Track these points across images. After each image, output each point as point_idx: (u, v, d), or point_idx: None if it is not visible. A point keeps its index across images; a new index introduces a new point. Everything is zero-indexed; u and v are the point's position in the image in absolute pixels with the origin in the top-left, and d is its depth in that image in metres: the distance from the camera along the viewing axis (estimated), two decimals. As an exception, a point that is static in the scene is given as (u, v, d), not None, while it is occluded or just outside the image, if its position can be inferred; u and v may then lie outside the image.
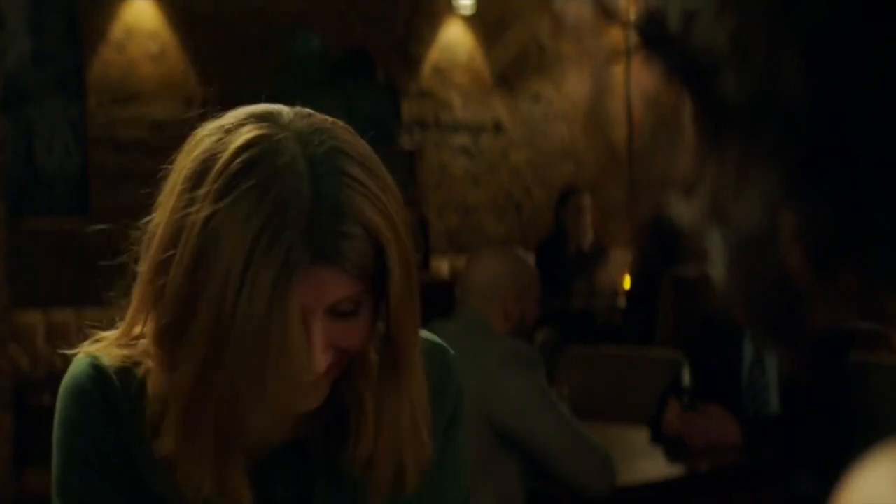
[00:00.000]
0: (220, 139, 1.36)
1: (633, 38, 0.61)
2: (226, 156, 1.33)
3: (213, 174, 1.32)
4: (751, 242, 0.58)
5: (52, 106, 7.34)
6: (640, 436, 4.08)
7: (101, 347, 1.43)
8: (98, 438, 1.40)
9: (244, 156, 1.33)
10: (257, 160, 1.33)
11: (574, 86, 9.59)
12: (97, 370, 1.40)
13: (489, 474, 3.36)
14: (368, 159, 1.43)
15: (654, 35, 0.59)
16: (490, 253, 3.72)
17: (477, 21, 9.08)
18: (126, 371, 1.40)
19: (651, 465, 3.83)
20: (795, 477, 3.88)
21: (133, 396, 1.39)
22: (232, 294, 1.29)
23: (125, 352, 1.41)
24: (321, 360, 1.34)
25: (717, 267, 0.60)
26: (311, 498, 1.45)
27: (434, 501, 1.53)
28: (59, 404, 1.41)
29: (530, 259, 3.77)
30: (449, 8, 8.96)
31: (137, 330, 1.41)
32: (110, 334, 1.44)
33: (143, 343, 1.41)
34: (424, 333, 1.51)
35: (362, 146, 1.44)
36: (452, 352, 1.57)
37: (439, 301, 4.09)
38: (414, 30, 8.86)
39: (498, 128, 9.28)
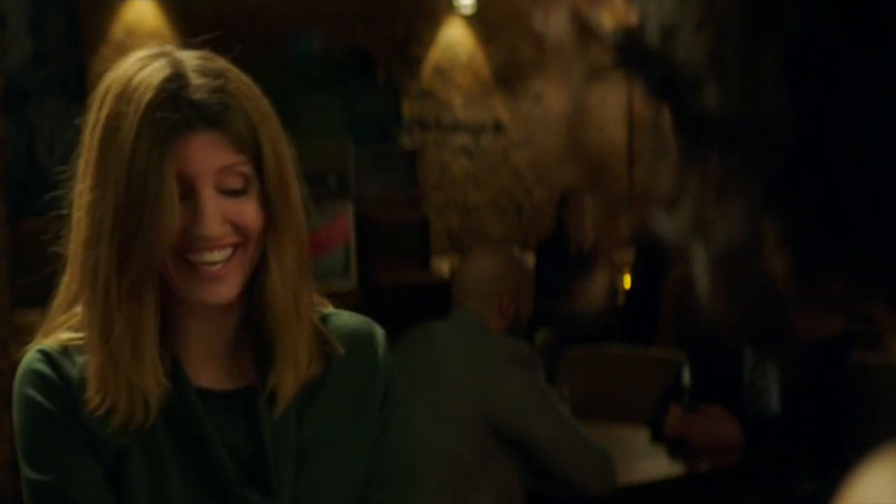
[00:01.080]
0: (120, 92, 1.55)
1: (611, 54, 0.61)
2: (128, 87, 1.53)
3: (123, 105, 1.53)
4: (734, 254, 0.58)
5: (54, 106, 7.34)
6: (640, 436, 4.08)
7: (47, 337, 1.61)
8: (54, 411, 1.56)
9: (140, 77, 1.54)
10: (149, 75, 1.54)
11: (554, 103, 9.58)
12: (44, 356, 1.58)
13: (488, 474, 3.36)
14: (247, 80, 1.62)
15: (631, 51, 0.60)
16: (484, 252, 3.72)
17: (477, 21, 9.08)
18: (66, 351, 1.58)
19: (651, 466, 3.83)
20: (796, 477, 3.88)
21: (76, 373, 1.56)
22: (125, 172, 1.50)
23: (67, 335, 1.59)
24: (214, 223, 1.52)
25: (701, 280, 0.60)
26: (261, 435, 1.59)
27: (376, 477, 1.66)
28: (14, 393, 1.59)
29: (524, 257, 3.78)
30: (449, 8, 8.96)
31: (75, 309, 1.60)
32: (55, 324, 1.62)
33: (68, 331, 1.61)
34: (353, 314, 1.71)
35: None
36: (381, 330, 1.72)
37: (440, 301, 4.09)
38: (414, 30, 8.86)
39: (498, 128, 9.28)
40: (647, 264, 7.31)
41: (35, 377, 1.57)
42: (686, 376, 3.99)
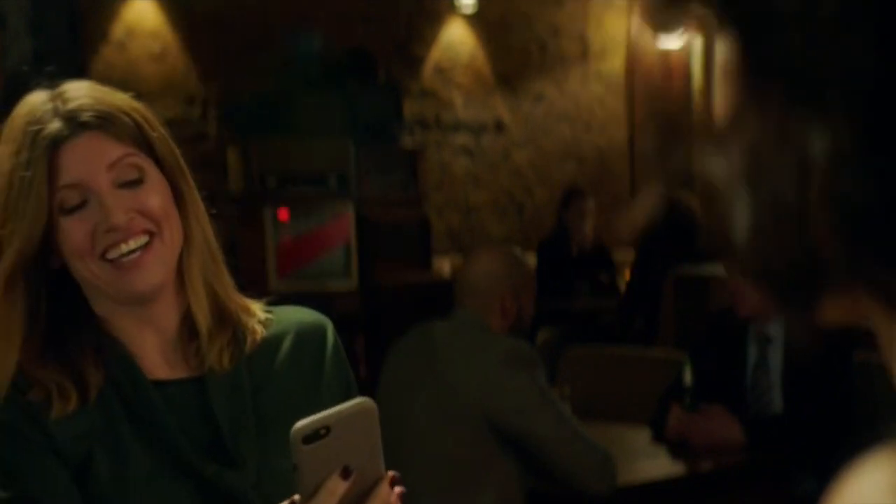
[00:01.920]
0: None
1: None
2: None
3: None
4: (780, 202, 0.56)
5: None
6: (641, 436, 4.08)
7: None
8: (13, 422, 1.59)
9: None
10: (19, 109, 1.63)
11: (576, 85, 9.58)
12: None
13: (489, 474, 3.36)
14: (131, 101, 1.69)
15: None
16: (486, 252, 3.72)
17: (478, 21, 9.07)
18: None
19: (652, 466, 3.82)
20: (798, 477, 3.88)
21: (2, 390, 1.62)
22: (5, 191, 1.59)
23: None
24: (118, 211, 1.59)
25: (741, 223, 0.58)
26: (214, 413, 1.65)
27: None
28: None
29: (526, 257, 3.78)
30: (450, 7, 8.96)
31: None
32: None
33: None
34: (306, 310, 1.79)
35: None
36: (329, 324, 1.80)
37: (441, 300, 4.08)
38: (415, 29, 8.85)
39: (499, 127, 9.28)
40: (648, 264, 7.31)
41: None
42: (687, 376, 3.99)
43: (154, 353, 1.69)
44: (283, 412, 1.67)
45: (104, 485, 1.59)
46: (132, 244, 1.61)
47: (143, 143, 1.64)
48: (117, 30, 7.61)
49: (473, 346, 3.40)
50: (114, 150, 1.61)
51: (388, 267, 7.44)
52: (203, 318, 1.68)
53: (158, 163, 1.65)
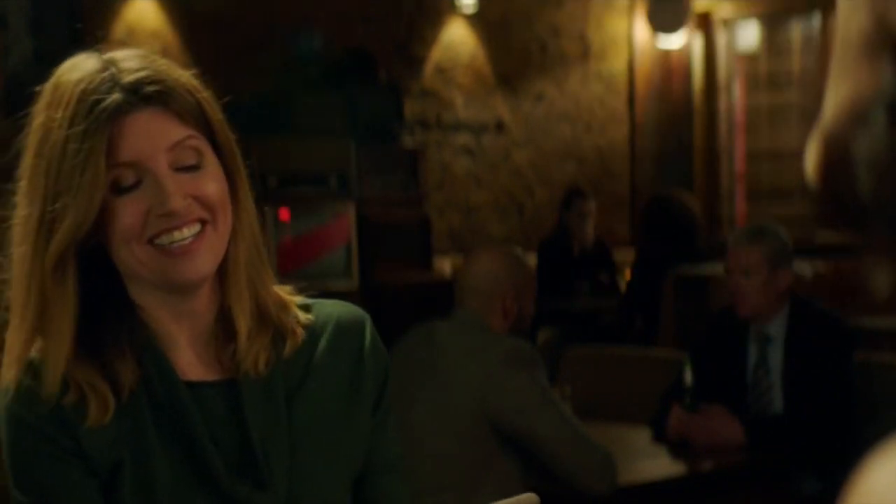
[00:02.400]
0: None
1: None
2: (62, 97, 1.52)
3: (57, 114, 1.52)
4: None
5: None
6: (642, 436, 4.08)
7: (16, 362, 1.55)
8: (42, 427, 1.51)
9: (73, 82, 1.52)
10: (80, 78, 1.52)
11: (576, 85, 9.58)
12: (27, 368, 1.53)
13: (489, 474, 3.36)
14: (183, 71, 1.58)
15: None
16: (487, 252, 3.72)
17: (479, 20, 9.07)
18: (37, 372, 1.52)
19: (653, 465, 3.82)
20: (798, 477, 3.88)
21: (51, 388, 1.52)
22: (57, 165, 1.48)
23: (34, 355, 1.54)
24: (177, 197, 1.48)
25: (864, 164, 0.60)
26: (248, 427, 1.56)
27: (372, 465, 1.64)
28: (1, 411, 1.54)
29: (527, 257, 3.78)
30: (451, 7, 8.96)
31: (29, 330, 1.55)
32: (14, 347, 1.56)
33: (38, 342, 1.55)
34: (336, 301, 1.69)
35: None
36: (367, 319, 1.69)
37: (442, 301, 4.08)
38: (416, 29, 8.85)
39: (500, 127, 9.27)
40: (648, 264, 7.31)
41: (21, 393, 1.52)
42: (687, 376, 3.99)
43: (188, 350, 1.59)
44: (317, 420, 1.60)
45: (129, 497, 1.51)
46: (186, 232, 1.51)
47: (204, 125, 1.54)
48: (118, 29, 7.61)
49: (474, 346, 3.40)
50: (176, 130, 1.51)
51: (388, 267, 7.44)
52: (243, 317, 1.57)
53: (216, 148, 1.55)
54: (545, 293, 6.15)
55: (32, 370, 1.52)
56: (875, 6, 0.60)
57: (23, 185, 1.53)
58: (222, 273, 1.57)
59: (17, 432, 1.52)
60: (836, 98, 0.61)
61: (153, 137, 1.49)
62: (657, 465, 3.84)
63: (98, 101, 1.47)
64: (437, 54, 8.96)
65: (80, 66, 1.52)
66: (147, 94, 1.49)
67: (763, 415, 4.02)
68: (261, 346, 1.58)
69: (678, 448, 3.93)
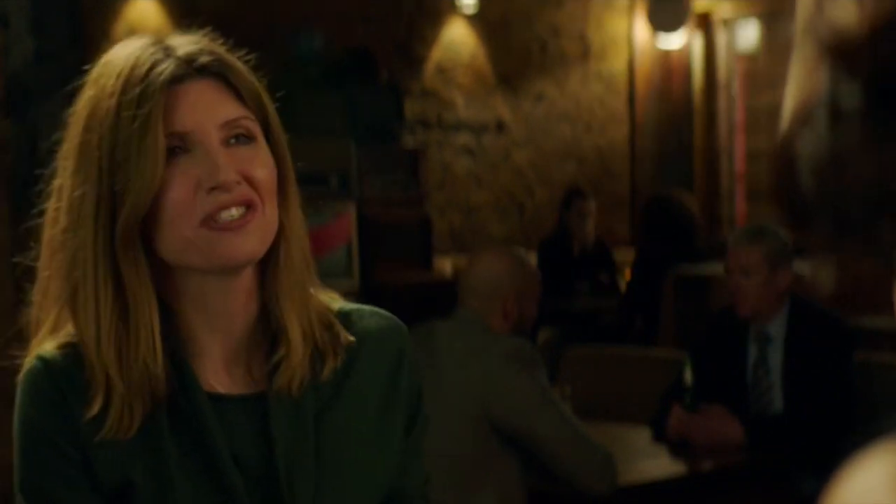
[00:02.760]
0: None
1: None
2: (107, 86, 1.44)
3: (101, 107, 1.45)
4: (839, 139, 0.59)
5: (57, 105, 7.35)
6: (642, 436, 4.08)
7: (41, 345, 1.48)
8: (54, 435, 1.42)
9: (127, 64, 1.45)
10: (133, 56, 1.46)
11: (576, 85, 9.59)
12: (43, 366, 1.44)
13: (489, 474, 3.37)
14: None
15: None
16: (490, 253, 3.72)
17: (480, 20, 9.08)
18: (67, 356, 1.44)
19: (653, 465, 3.83)
20: (798, 477, 3.88)
21: (75, 377, 1.43)
22: (110, 137, 1.40)
23: (60, 340, 1.46)
24: (228, 168, 1.39)
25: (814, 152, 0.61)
26: (273, 447, 1.47)
27: (400, 491, 1.55)
28: (16, 407, 1.46)
29: (530, 259, 3.78)
30: (451, 7, 8.96)
31: (55, 316, 1.48)
32: (43, 332, 1.50)
33: (68, 327, 1.46)
34: (375, 311, 1.59)
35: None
36: (404, 326, 1.60)
37: (442, 300, 4.09)
38: (416, 29, 8.86)
39: (500, 127, 9.28)
40: (648, 264, 7.31)
41: (35, 395, 1.44)
42: (687, 376, 3.99)
43: (217, 360, 1.49)
44: (346, 441, 1.51)
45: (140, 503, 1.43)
46: (234, 212, 1.41)
47: (259, 109, 1.46)
48: (119, 29, 7.62)
49: (474, 346, 3.40)
50: (232, 107, 1.43)
51: (389, 267, 7.44)
52: (294, 319, 1.47)
53: (269, 140, 1.46)
54: (545, 293, 6.15)
55: (56, 365, 1.44)
56: (812, 18, 0.61)
57: (68, 165, 1.44)
58: (265, 272, 1.48)
59: (28, 437, 1.44)
60: (789, 101, 0.63)
61: (207, 109, 1.42)
62: (657, 465, 3.85)
63: (151, 68, 1.40)
64: (437, 54, 8.96)
65: (128, 45, 1.46)
66: (202, 65, 1.43)
67: (763, 415, 4.02)
68: (297, 364, 1.47)
69: (678, 448, 3.93)
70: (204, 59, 1.43)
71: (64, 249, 1.44)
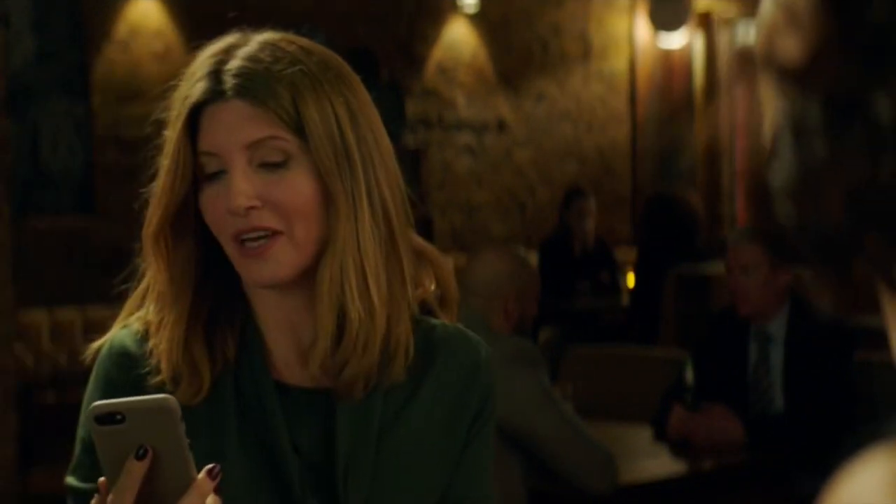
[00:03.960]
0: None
1: None
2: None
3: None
4: (813, 159, 0.60)
5: (57, 105, 7.35)
6: (643, 435, 4.08)
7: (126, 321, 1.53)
8: (112, 392, 1.45)
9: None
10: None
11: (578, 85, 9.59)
12: (129, 334, 1.51)
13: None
14: (317, 52, 1.52)
15: None
16: (490, 252, 3.73)
17: (480, 20, 9.08)
18: (146, 333, 1.50)
19: (654, 465, 3.83)
20: (799, 476, 3.88)
21: (151, 356, 1.48)
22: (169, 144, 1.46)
23: (145, 319, 1.51)
24: (239, 195, 1.41)
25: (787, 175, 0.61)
26: (335, 442, 1.48)
27: (452, 500, 1.54)
28: (93, 372, 1.53)
29: (530, 258, 3.79)
30: (453, 7, 8.97)
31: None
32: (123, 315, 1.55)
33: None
34: (462, 329, 1.58)
35: (319, 49, 1.55)
36: (487, 349, 1.59)
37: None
38: (418, 29, 8.86)
39: (502, 127, 9.28)
40: (650, 263, 7.32)
41: (115, 355, 1.50)
42: (688, 375, 4.00)
43: (290, 351, 1.51)
44: (408, 450, 1.50)
45: None
46: (253, 236, 1.43)
47: (296, 124, 1.44)
48: (120, 29, 7.62)
49: (475, 345, 3.40)
50: (258, 127, 1.43)
51: (390, 266, 7.44)
52: (323, 334, 1.45)
53: (312, 148, 1.44)
54: (546, 292, 6.15)
55: (140, 335, 1.51)
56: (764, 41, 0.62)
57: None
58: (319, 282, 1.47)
59: (97, 382, 1.50)
60: (766, 138, 0.64)
61: (231, 132, 1.43)
62: (658, 464, 3.85)
63: (191, 87, 1.46)
64: (438, 54, 8.96)
65: (214, 45, 1.51)
66: (230, 87, 1.44)
67: (763, 414, 4.03)
68: (360, 369, 1.46)
69: (679, 447, 3.93)
70: (237, 80, 1.44)
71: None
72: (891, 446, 0.59)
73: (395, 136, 8.71)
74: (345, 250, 1.44)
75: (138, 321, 1.51)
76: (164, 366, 1.47)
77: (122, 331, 1.52)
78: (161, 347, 1.47)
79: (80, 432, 1.50)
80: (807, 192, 0.60)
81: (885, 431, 0.60)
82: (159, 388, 1.44)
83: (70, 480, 1.50)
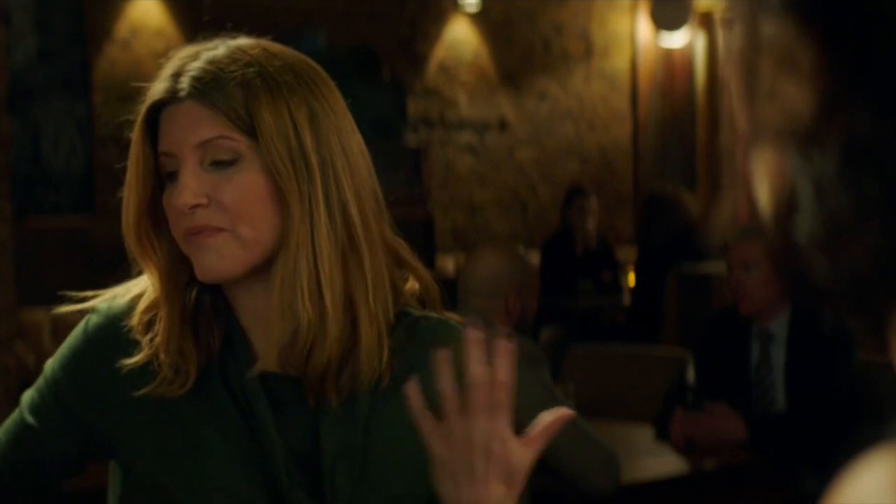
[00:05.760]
0: None
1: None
2: None
3: None
4: (840, 211, 0.59)
5: (58, 104, 7.35)
6: (645, 434, 4.08)
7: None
8: (72, 369, 1.54)
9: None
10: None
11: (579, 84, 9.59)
12: (86, 320, 1.55)
13: (494, 472, 3.37)
14: (283, 57, 1.55)
15: None
16: (490, 251, 3.72)
17: (482, 19, 9.08)
18: (129, 309, 1.53)
19: (656, 464, 3.83)
20: (801, 475, 3.88)
21: (131, 332, 1.52)
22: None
23: (137, 307, 1.54)
24: (184, 192, 1.43)
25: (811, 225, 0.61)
26: (320, 432, 1.48)
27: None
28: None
29: (532, 257, 3.79)
30: (454, 6, 8.97)
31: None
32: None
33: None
34: (445, 320, 1.59)
35: (290, 53, 1.59)
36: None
37: (444, 300, 4.08)
38: (419, 28, 8.86)
39: (503, 126, 9.28)
40: (652, 262, 7.31)
41: (67, 345, 1.56)
42: (690, 374, 3.99)
43: (271, 341, 1.49)
44: (395, 444, 1.50)
45: (166, 467, 1.47)
46: (198, 232, 1.46)
47: (247, 125, 1.45)
48: (122, 28, 7.62)
49: (477, 345, 3.40)
50: (208, 127, 1.45)
51: (391, 265, 7.45)
52: (276, 333, 1.46)
53: (264, 149, 1.45)
54: (549, 291, 6.15)
55: (122, 308, 1.54)
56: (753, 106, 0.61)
57: None
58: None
59: (69, 345, 1.55)
60: (766, 205, 0.63)
61: (184, 131, 1.46)
62: (660, 463, 3.85)
63: (156, 88, 1.50)
64: (440, 52, 8.96)
65: (182, 51, 1.53)
66: (189, 88, 1.46)
67: (766, 413, 4.02)
68: (315, 371, 1.47)
69: (681, 446, 3.93)
70: (186, 83, 1.46)
71: None
72: (894, 447, 0.58)
73: (396, 135, 8.73)
74: (298, 252, 1.44)
75: (127, 299, 1.55)
76: (163, 357, 1.48)
77: (107, 308, 1.55)
78: (156, 340, 1.49)
79: (47, 370, 1.58)
80: (837, 243, 0.59)
81: (889, 432, 0.60)
82: (133, 373, 1.48)
83: (26, 396, 1.61)
